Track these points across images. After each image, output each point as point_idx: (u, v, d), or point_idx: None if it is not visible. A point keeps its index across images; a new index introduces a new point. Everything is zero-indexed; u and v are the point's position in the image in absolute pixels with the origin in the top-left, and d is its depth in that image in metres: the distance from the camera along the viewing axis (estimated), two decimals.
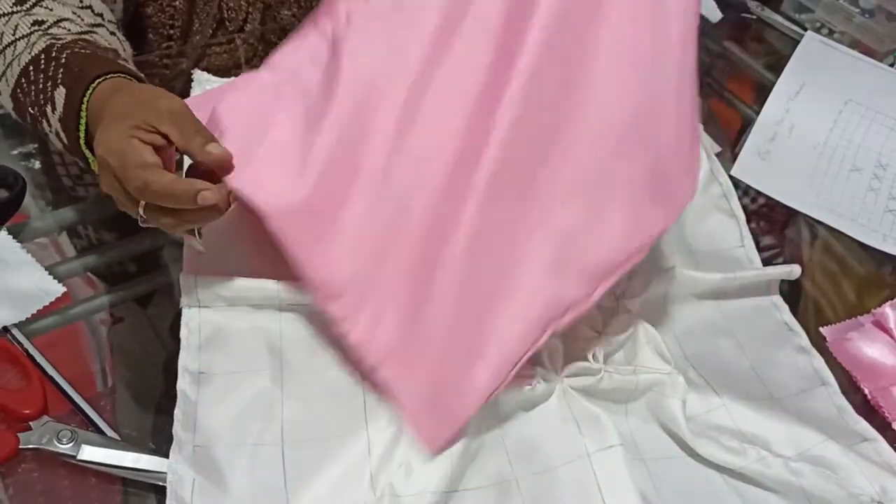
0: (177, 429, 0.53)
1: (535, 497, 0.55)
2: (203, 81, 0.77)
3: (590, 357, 0.61)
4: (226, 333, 0.59)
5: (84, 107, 0.56)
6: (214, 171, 0.54)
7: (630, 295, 0.66)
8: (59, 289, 0.61)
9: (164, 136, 0.52)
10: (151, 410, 0.61)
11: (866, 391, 0.67)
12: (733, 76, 1.05)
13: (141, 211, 0.52)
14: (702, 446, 0.58)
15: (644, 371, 0.60)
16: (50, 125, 0.59)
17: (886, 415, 0.65)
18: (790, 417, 0.61)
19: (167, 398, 0.59)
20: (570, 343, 0.62)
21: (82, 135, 0.57)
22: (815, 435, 0.60)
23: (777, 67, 0.95)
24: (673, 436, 0.60)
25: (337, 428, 0.55)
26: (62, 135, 0.59)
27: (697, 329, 0.68)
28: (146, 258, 0.71)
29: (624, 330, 0.63)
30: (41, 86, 0.59)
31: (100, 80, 0.57)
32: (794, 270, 0.72)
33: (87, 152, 0.58)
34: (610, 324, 0.63)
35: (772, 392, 0.65)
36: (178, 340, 0.64)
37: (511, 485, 0.55)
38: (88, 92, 0.56)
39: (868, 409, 0.66)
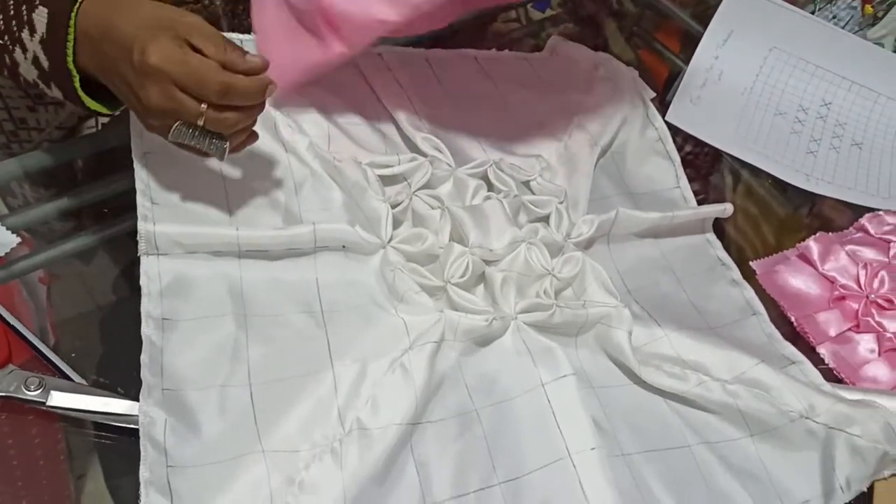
0: (145, 373, 0.54)
1: (494, 426, 0.58)
2: None
3: (541, 294, 0.64)
4: (186, 280, 0.59)
5: (72, 23, 0.56)
6: None
7: (576, 235, 0.69)
8: (13, 239, 0.60)
9: (198, 51, 0.55)
10: (104, 362, 0.61)
11: (792, 319, 0.72)
12: (661, 27, 1.08)
13: (202, 119, 0.55)
14: (647, 374, 0.62)
15: (592, 305, 0.64)
16: (26, 51, 0.58)
17: (811, 339, 0.71)
18: (726, 344, 0.66)
19: (120, 349, 0.60)
20: (522, 281, 0.65)
21: (70, 51, 0.56)
22: (749, 359, 0.64)
23: (704, 17, 0.98)
24: (620, 365, 0.64)
25: (303, 367, 0.57)
26: (42, 58, 0.58)
27: (639, 266, 0.72)
28: (85, 214, 0.70)
29: (572, 268, 0.66)
30: (13, 12, 0.58)
31: None
32: (727, 208, 0.76)
33: (73, 69, 0.57)
34: (559, 262, 0.66)
35: (708, 322, 0.70)
36: (121, 294, 0.64)
37: (472, 415, 0.58)
38: (76, 7, 0.56)
39: (794, 335, 0.71)
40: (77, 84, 0.58)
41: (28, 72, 0.60)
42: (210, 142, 0.57)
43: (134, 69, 0.54)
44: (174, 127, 0.55)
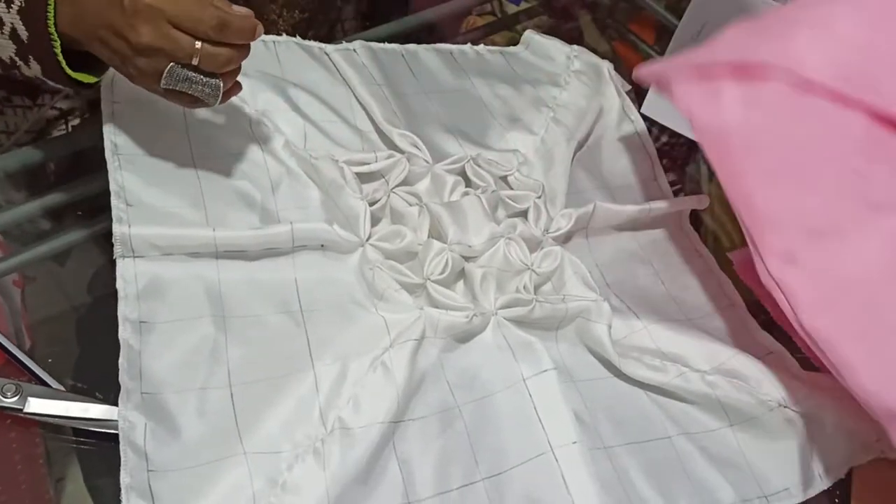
0: (123, 378, 0.53)
1: (476, 422, 0.58)
2: None
3: (521, 289, 0.64)
4: (163, 282, 0.59)
5: None
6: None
7: (555, 229, 0.69)
8: None
9: None
10: (81, 365, 0.60)
11: (769, 308, 0.72)
12: (635, 18, 1.09)
13: (197, 57, 0.54)
14: (627, 366, 0.62)
15: (572, 299, 0.64)
16: (3, 25, 0.58)
17: (787, 329, 0.71)
18: (704, 335, 0.67)
19: (96, 351, 0.59)
20: (501, 277, 0.65)
21: (52, 13, 0.56)
22: (727, 350, 0.65)
23: (677, 9, 0.98)
24: (600, 358, 0.64)
25: (283, 368, 0.57)
26: (20, 29, 0.57)
27: (617, 259, 0.73)
28: (59, 216, 0.70)
29: (551, 262, 0.66)
30: None
31: None
32: (703, 200, 0.77)
33: (54, 33, 0.56)
34: (538, 257, 0.66)
35: (686, 314, 0.70)
36: (97, 296, 0.63)
37: (454, 412, 0.58)
38: None
39: (771, 325, 0.72)
40: (58, 49, 0.57)
41: (5, 49, 0.59)
42: (205, 83, 0.56)
43: (124, 11, 0.53)
44: (168, 69, 0.55)
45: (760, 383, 0.63)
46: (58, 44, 0.57)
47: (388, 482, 0.54)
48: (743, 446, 0.61)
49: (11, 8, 0.57)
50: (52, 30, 0.56)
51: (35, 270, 0.66)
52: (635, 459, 0.59)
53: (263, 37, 0.77)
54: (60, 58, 0.57)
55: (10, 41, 0.58)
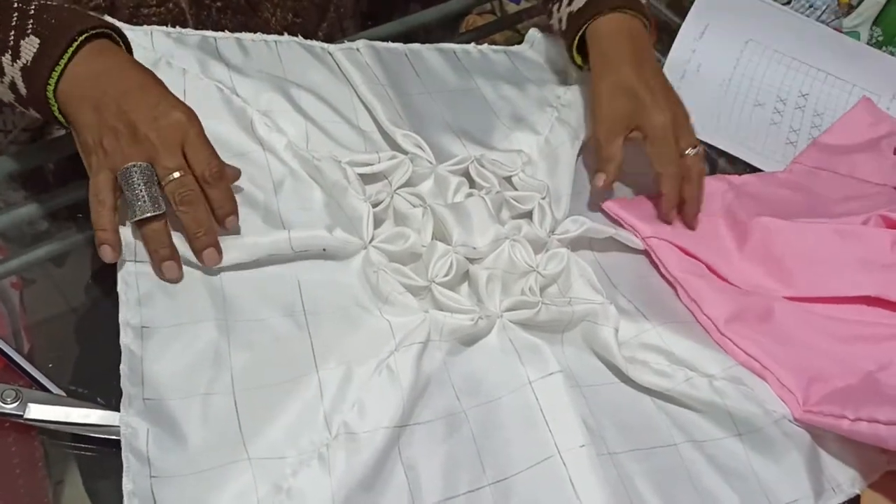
0: (125, 383, 0.52)
1: (482, 426, 0.57)
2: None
3: (527, 291, 0.63)
4: (165, 287, 0.58)
5: (64, 61, 0.56)
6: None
7: (561, 232, 0.68)
8: None
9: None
10: (82, 368, 0.60)
11: None
12: None
13: (170, 177, 0.56)
14: (633, 371, 0.61)
15: (578, 302, 0.63)
16: (3, 75, 0.58)
17: None
18: (711, 340, 0.66)
19: (96, 354, 0.58)
20: (507, 279, 0.64)
21: (54, 80, 0.56)
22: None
23: (678, 8, 0.98)
24: (606, 363, 0.63)
25: (287, 372, 0.56)
26: (20, 85, 0.57)
27: (623, 260, 0.72)
28: (58, 217, 0.69)
29: (557, 264, 0.65)
30: None
31: (84, 35, 0.57)
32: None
33: (52, 98, 0.57)
34: (543, 259, 0.66)
35: (695, 315, 0.69)
36: (97, 298, 0.62)
37: (459, 416, 0.57)
38: (71, 49, 0.56)
39: None
40: (56, 111, 0.58)
41: (4, 94, 0.59)
42: (150, 195, 0.55)
43: (155, 107, 0.56)
44: (138, 163, 0.55)
45: (767, 389, 0.63)
46: (55, 107, 0.58)
47: (394, 488, 0.53)
48: (751, 456, 0.60)
49: (17, 62, 0.57)
50: (51, 95, 0.57)
51: (34, 272, 0.65)
52: (640, 466, 0.58)
53: (265, 37, 0.77)
54: (59, 116, 0.58)
55: (10, 91, 0.59)
